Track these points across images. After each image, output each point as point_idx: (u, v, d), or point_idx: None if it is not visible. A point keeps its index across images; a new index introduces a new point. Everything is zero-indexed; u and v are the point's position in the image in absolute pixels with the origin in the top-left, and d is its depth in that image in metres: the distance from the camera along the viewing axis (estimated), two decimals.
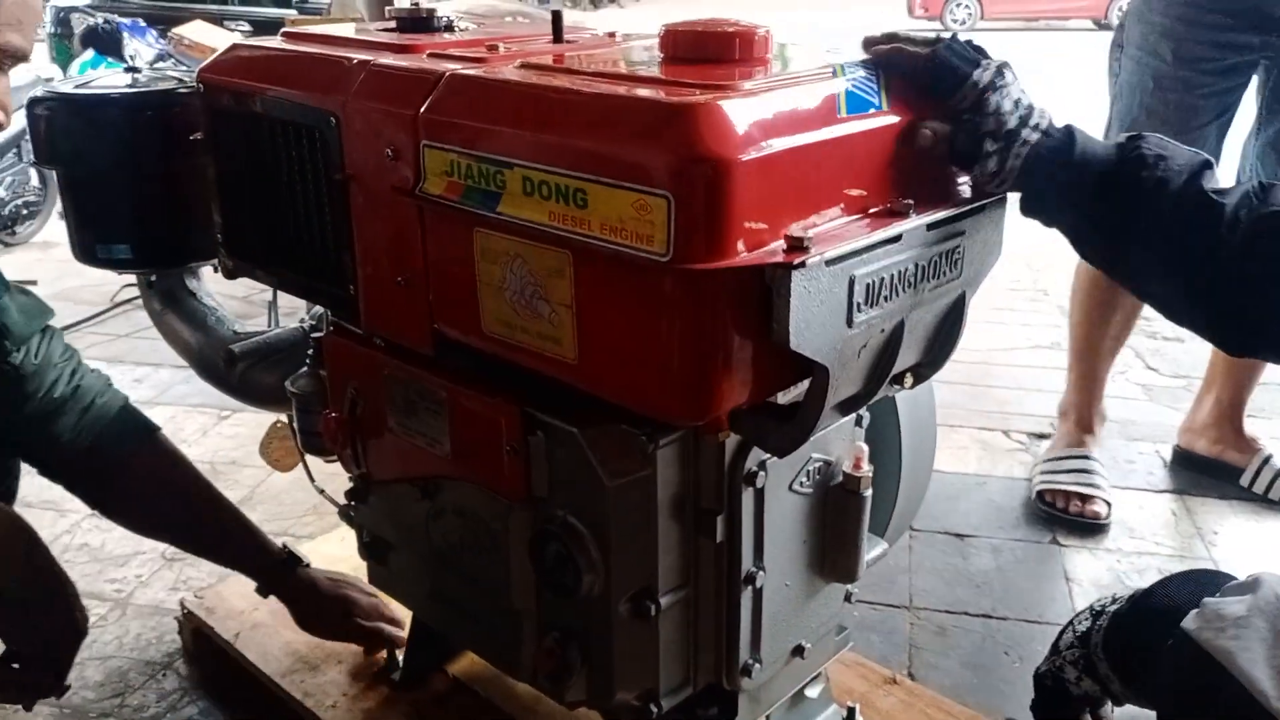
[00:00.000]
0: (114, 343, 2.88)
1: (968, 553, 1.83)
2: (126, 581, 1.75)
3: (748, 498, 0.95)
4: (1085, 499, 1.91)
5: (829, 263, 0.78)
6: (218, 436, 2.29)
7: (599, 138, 0.80)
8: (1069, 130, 0.92)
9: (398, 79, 0.98)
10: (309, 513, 1.95)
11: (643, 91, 0.84)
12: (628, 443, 0.91)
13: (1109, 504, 1.91)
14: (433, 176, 0.93)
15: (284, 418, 1.50)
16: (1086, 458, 1.97)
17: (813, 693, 1.21)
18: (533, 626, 1.05)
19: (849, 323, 0.83)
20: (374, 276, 1.05)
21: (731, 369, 0.81)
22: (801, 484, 1.00)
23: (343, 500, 1.29)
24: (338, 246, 1.08)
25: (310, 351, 1.28)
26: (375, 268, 1.04)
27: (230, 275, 1.27)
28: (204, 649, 1.54)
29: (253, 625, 1.50)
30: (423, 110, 0.93)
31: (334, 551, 1.59)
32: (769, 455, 0.94)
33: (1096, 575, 1.76)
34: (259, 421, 1.64)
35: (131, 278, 2.10)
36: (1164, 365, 2.63)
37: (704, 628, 1.00)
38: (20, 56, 1.02)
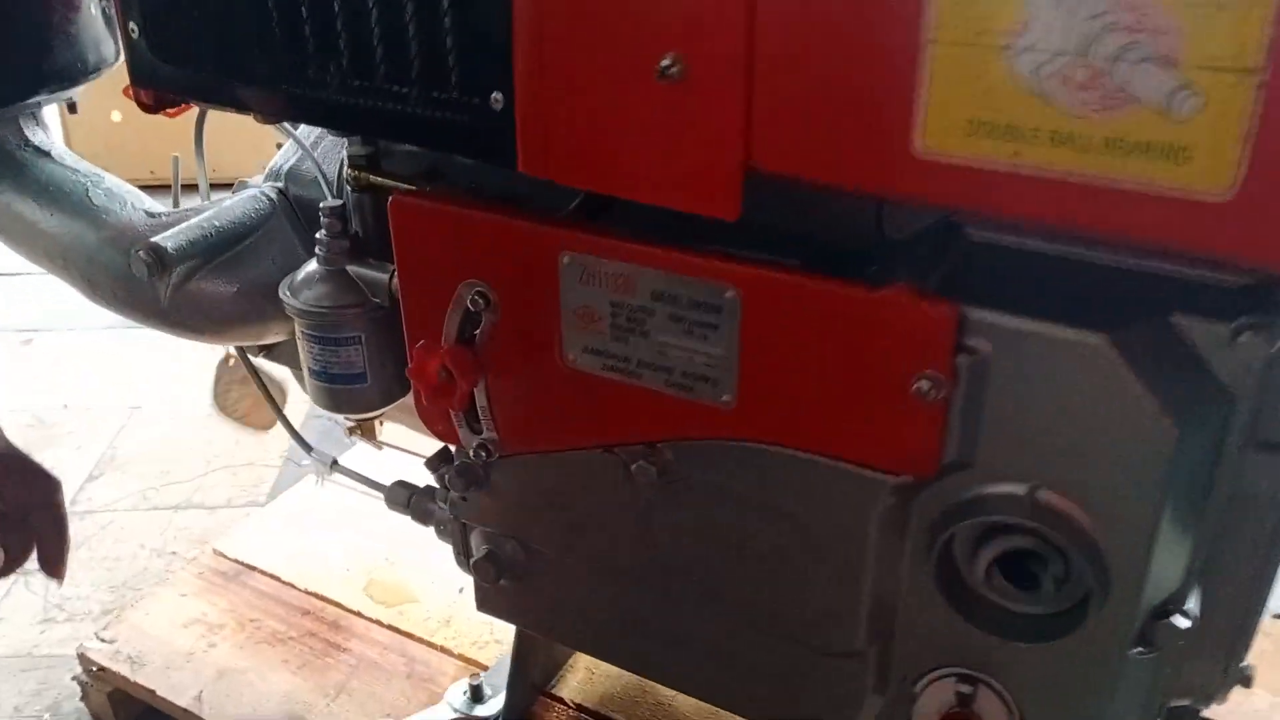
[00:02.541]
0: None
1: None
2: None
3: None
4: None
5: None
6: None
7: None
8: None
9: None
10: (215, 470, 1.36)
11: None
12: (1199, 344, 0.48)
13: None
14: None
15: (232, 350, 0.93)
16: None
17: None
18: (881, 669, 0.62)
19: None
20: (574, 70, 0.52)
21: None
22: None
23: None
24: (462, 19, 0.54)
25: (323, 233, 0.73)
26: (580, 51, 0.51)
27: (153, 106, 0.68)
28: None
29: (218, 674, 0.97)
30: None
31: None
32: None
33: None
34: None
35: None
36: None
37: (1212, 628, 0.61)
38: None
